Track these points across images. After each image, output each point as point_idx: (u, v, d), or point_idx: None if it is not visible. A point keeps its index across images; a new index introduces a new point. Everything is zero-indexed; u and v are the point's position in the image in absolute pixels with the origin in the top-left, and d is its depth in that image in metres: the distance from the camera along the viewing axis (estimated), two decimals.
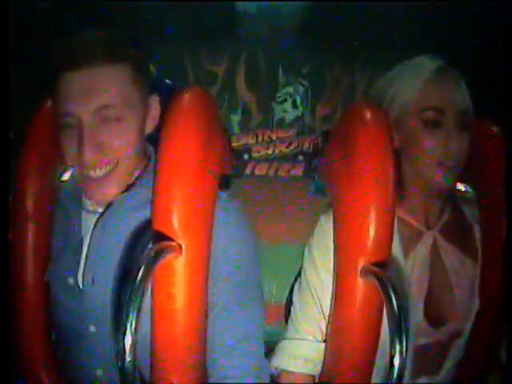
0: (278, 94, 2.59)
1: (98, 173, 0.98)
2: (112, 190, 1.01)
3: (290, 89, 2.60)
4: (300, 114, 2.57)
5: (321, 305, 1.11)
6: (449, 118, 1.07)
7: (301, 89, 2.60)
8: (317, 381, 1.15)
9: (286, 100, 2.58)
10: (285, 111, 2.58)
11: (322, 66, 2.62)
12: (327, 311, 1.09)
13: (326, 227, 1.11)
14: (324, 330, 1.11)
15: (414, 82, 1.09)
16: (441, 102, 1.07)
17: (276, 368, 1.16)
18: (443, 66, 1.10)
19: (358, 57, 2.56)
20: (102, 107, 0.96)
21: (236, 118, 2.53)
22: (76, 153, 0.97)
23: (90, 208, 1.06)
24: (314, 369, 1.13)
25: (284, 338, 1.17)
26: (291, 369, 1.14)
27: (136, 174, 1.05)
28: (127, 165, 1.01)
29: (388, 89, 1.13)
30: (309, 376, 1.14)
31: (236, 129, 2.50)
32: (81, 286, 1.03)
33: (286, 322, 1.22)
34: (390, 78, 1.14)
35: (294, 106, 2.58)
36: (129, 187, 1.04)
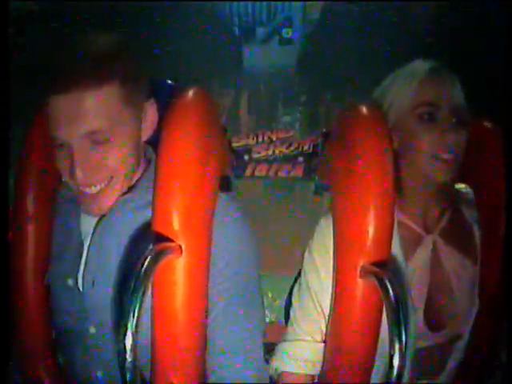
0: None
1: (94, 190, 0.98)
2: (108, 202, 1.00)
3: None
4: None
5: (320, 305, 1.11)
6: (444, 113, 1.09)
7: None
8: (316, 381, 1.15)
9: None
10: None
11: (317, 96, 2.64)
12: (327, 312, 1.09)
13: (325, 229, 1.11)
14: (324, 330, 1.11)
15: (408, 85, 1.12)
16: (435, 97, 1.10)
17: (276, 369, 1.16)
18: (436, 66, 1.13)
19: (348, 88, 2.56)
20: (91, 132, 0.94)
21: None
22: (69, 173, 0.96)
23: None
24: (314, 369, 1.13)
25: (284, 340, 1.17)
26: (291, 370, 1.14)
27: (136, 176, 1.05)
28: (123, 178, 1.00)
29: (384, 97, 1.15)
30: (308, 376, 1.15)
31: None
32: (81, 288, 1.03)
33: (286, 322, 1.22)
34: (385, 86, 1.17)
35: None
36: (129, 189, 1.03)
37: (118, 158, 0.97)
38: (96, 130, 0.94)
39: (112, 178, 0.98)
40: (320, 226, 1.14)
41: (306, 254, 1.16)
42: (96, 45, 0.97)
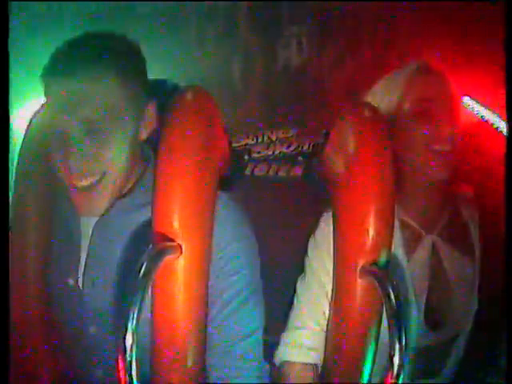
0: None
1: (85, 182, 0.96)
2: (100, 203, 0.99)
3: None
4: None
5: (324, 286, 1.10)
6: (437, 107, 1.10)
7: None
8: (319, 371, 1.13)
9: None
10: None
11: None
12: (329, 294, 1.08)
13: (330, 220, 1.11)
14: (327, 314, 1.10)
15: (400, 82, 1.13)
16: (427, 92, 1.11)
17: (279, 359, 1.14)
18: (423, 64, 1.14)
19: None
20: (87, 120, 0.94)
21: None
22: (64, 162, 0.95)
23: None
24: (316, 357, 1.11)
25: (286, 329, 1.15)
26: (293, 359, 1.12)
27: (134, 176, 1.04)
28: (116, 176, 0.98)
29: (378, 96, 1.16)
30: (310, 366, 1.12)
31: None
32: (81, 288, 1.03)
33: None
34: (378, 87, 1.18)
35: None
36: (129, 190, 1.03)
37: (112, 152, 0.96)
38: (92, 118, 0.93)
39: (105, 173, 0.97)
40: (323, 217, 1.14)
41: (312, 243, 1.15)
42: (102, 39, 0.98)
